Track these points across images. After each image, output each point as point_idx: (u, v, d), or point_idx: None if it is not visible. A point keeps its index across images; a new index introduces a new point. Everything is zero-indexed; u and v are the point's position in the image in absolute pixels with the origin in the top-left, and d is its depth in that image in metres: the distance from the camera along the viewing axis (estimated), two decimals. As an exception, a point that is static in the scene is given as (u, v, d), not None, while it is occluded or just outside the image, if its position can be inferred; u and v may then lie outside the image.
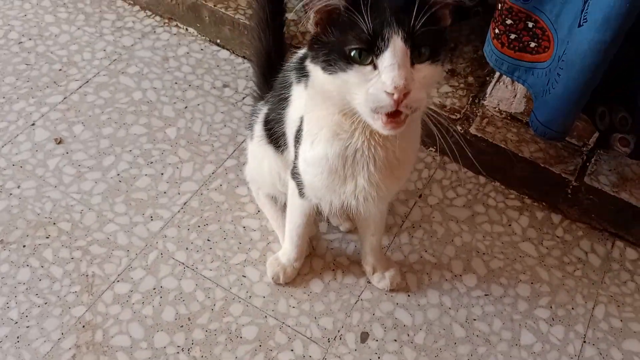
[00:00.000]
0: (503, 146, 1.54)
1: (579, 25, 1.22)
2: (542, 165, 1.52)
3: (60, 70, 1.73)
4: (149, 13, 1.93)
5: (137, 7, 1.94)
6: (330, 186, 1.08)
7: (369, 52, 0.83)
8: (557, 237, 1.52)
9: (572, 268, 1.46)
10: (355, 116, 0.90)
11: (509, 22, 1.37)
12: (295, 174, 1.16)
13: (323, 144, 1.02)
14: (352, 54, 0.84)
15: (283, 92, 1.17)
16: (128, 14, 1.92)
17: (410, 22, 0.82)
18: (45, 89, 1.68)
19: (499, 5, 1.38)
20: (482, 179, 1.62)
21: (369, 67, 0.84)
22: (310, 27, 0.89)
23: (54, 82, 1.70)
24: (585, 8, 1.18)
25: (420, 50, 0.84)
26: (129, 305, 1.30)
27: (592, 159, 1.53)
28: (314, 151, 1.04)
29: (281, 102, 1.18)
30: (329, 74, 0.87)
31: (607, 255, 1.49)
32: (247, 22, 1.74)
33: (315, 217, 1.26)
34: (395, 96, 0.82)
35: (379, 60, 0.83)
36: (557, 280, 1.43)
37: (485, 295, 1.39)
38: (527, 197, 1.59)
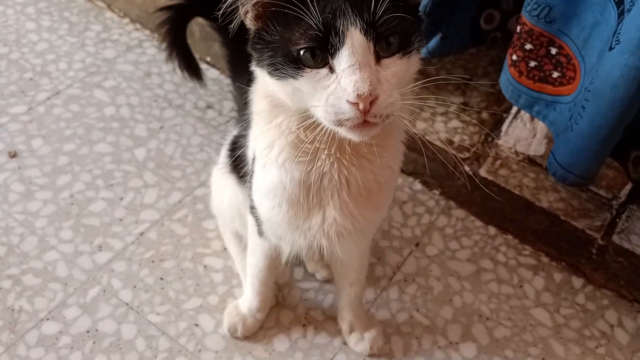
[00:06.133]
0: (518, 193, 1.33)
1: (610, 49, 1.01)
2: (563, 218, 1.30)
3: (30, 79, 1.58)
4: (139, 26, 1.77)
5: (126, 20, 1.79)
6: (291, 221, 0.87)
7: (322, 51, 0.67)
8: (578, 304, 1.28)
9: (594, 344, 1.21)
10: (318, 128, 0.72)
11: (528, 47, 1.18)
12: (252, 208, 0.95)
13: (277, 168, 0.82)
14: (302, 55, 0.67)
15: (247, 110, 0.98)
16: (116, 26, 1.77)
17: (370, 6, 0.66)
18: (10, 98, 1.52)
19: (518, 27, 1.18)
20: (492, 230, 1.39)
21: (324, 70, 0.68)
22: (249, 22, 0.73)
23: (22, 91, 1.54)
24: (619, 28, 0.97)
25: (387, 40, 0.67)
26: (54, 349, 1.09)
27: (623, 215, 1.31)
28: (268, 177, 0.84)
29: (247, 123, 0.98)
30: (277, 79, 0.71)
31: (638, 330, 1.25)
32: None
33: (289, 260, 1.05)
34: (361, 106, 0.65)
35: (336, 61, 0.67)
36: (574, 357, 1.19)
37: (486, 369, 1.15)
38: (543, 254, 1.36)
